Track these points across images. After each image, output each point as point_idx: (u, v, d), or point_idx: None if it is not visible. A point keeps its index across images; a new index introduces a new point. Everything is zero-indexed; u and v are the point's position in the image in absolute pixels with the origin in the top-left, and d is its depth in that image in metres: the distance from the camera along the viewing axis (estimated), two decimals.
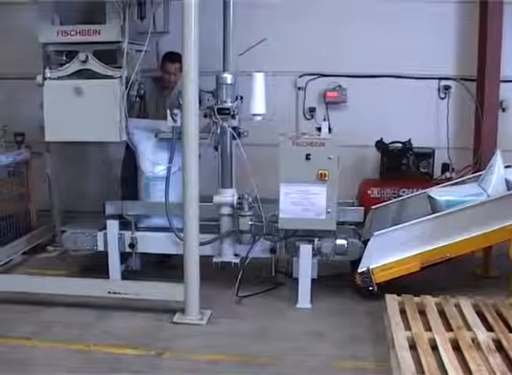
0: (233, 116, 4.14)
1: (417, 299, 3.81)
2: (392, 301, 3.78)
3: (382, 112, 5.56)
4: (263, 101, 4.18)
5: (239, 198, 4.23)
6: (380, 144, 5.46)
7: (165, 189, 4.15)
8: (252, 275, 4.27)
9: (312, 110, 5.70)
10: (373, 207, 4.89)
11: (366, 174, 5.62)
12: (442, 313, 3.64)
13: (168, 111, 4.12)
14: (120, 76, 4.13)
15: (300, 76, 5.71)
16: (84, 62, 4.18)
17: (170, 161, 4.19)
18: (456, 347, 3.25)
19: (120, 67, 4.15)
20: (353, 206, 4.78)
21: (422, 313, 3.65)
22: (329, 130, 4.21)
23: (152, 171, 4.39)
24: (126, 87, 4.14)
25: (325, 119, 4.27)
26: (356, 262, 4.15)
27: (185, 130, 3.71)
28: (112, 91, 4.12)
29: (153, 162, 4.39)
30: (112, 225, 4.35)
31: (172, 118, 4.12)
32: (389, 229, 4.10)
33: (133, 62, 4.23)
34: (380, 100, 5.56)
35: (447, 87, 5.57)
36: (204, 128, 4.18)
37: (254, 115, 4.19)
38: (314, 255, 4.13)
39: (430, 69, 5.52)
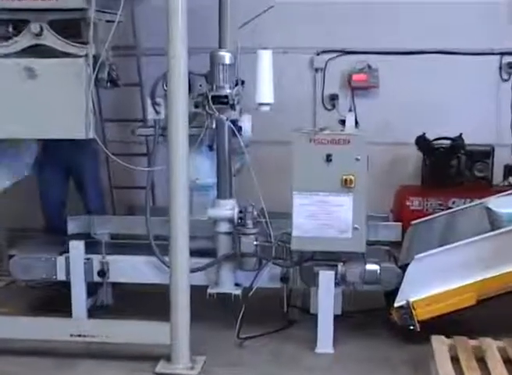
0: (233, 106, 4.19)
1: (473, 342, 3.81)
2: (440, 344, 3.78)
3: (424, 99, 5.60)
4: (271, 86, 4.23)
5: (240, 211, 4.26)
6: (422, 141, 5.51)
7: (145, 198, 4.25)
8: (258, 310, 4.28)
9: (334, 98, 5.77)
10: (413, 222, 4.93)
11: (404, 180, 5.67)
12: (507, 361, 3.62)
13: (148, 99, 4.21)
14: (86, 55, 4.13)
15: (319, 54, 5.79)
16: (38, 35, 4.13)
17: (150, 163, 4.28)
18: None
19: (86, 43, 4.15)
20: (387, 221, 4.83)
21: (481, 361, 3.64)
22: (356, 123, 4.26)
23: (198, 179, 4.51)
24: (94, 69, 4.19)
25: (350, 110, 4.36)
26: (392, 294, 4.17)
27: (170, 125, 3.75)
28: (76, 73, 4.12)
29: (200, 167, 4.49)
30: (76, 247, 4.38)
31: (154, 108, 4.19)
32: (435, 250, 4.12)
33: (102, 37, 4.30)
34: (422, 84, 5.61)
35: None
36: (195, 121, 4.23)
37: (260, 104, 4.24)
38: (337, 285, 4.16)
39: (489, 41, 5.55)
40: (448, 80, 5.65)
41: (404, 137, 5.56)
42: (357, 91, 5.72)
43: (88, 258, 4.42)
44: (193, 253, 3.92)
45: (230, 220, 4.28)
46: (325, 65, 5.77)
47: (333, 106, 5.78)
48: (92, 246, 4.49)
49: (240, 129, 4.33)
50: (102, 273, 4.42)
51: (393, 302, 4.13)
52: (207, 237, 4.35)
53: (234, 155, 4.34)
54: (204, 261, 4.32)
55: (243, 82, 4.31)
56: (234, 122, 4.28)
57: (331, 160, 3.99)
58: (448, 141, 5.53)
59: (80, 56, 4.17)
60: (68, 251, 4.40)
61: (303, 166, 4.02)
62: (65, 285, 4.47)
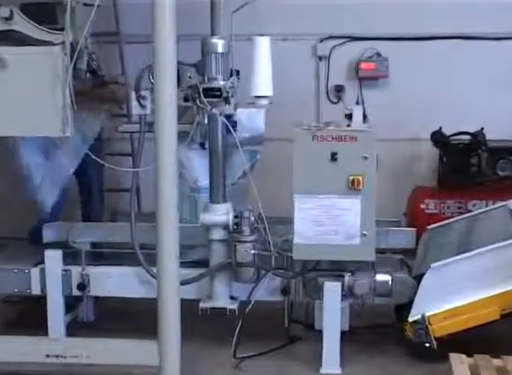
0: (227, 100, 4.19)
1: (497, 361, 3.80)
2: (459, 363, 3.76)
3: (440, 90, 5.65)
4: (269, 77, 4.25)
5: (236, 216, 4.28)
6: (438, 137, 5.55)
7: (130, 202, 4.29)
8: (256, 326, 4.31)
9: (339, 89, 5.81)
10: (429, 227, 4.94)
11: (418, 180, 5.73)
12: None
13: (132, 93, 4.23)
14: (62, 42, 4.10)
15: (322, 41, 5.83)
16: (8, 19, 4.11)
17: (135, 163, 4.30)
18: None
19: (62, 29, 4.15)
20: (399, 226, 4.86)
21: None
22: (364, 117, 4.28)
23: (199, 180, 4.58)
24: (72, 58, 4.18)
25: (358, 103, 4.38)
26: (405, 307, 4.19)
27: (157, 120, 3.76)
28: (51, 63, 4.11)
29: (200, 167, 4.57)
30: (53, 257, 4.39)
31: (139, 102, 4.21)
32: (453, 259, 4.13)
33: (80, 22, 4.31)
34: (438, 73, 5.65)
35: None
36: (185, 117, 4.25)
37: (257, 97, 4.25)
38: (344, 298, 4.17)
39: None
40: (467, 68, 5.68)
41: (418, 133, 5.61)
42: (365, 81, 5.76)
43: (66, 270, 4.42)
44: (193, 264, 3.96)
45: (224, 226, 4.30)
46: (330, 53, 5.80)
47: (339, 99, 5.82)
48: (71, 256, 4.49)
49: (234, 125, 4.35)
50: (82, 286, 4.42)
51: (407, 317, 4.14)
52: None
53: (237, 154, 4.38)
54: (196, 272, 4.34)
55: (238, 72, 4.31)
56: (228, 117, 4.29)
57: (336, 159, 4.01)
58: (468, 137, 5.56)
59: (56, 44, 4.14)
60: (43, 262, 4.40)
61: (305, 165, 4.04)
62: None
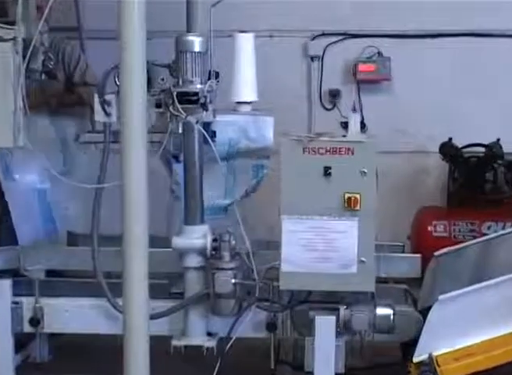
0: (204, 106, 4.17)
1: None
2: None
3: (450, 95, 5.69)
4: (253, 80, 4.28)
5: (215, 239, 4.26)
6: (448, 149, 5.58)
7: (92, 223, 4.31)
8: (237, 367, 4.34)
9: (335, 94, 5.84)
10: (437, 253, 4.93)
11: (425, 199, 5.78)
12: None
13: (95, 97, 4.24)
14: (14, 38, 4.13)
15: (314, 38, 5.86)
16: None
17: (99, 179, 4.31)
18: None
19: (13, 23, 4.17)
20: (403, 252, 4.89)
21: None
22: (363, 126, 4.32)
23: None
24: (25, 57, 4.17)
25: (355, 110, 4.40)
26: (409, 345, 4.19)
27: (124, 129, 3.76)
28: (1, 61, 4.14)
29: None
30: (1, 288, 4.38)
31: (103, 109, 4.21)
32: (466, 290, 4.11)
33: (34, 16, 4.31)
34: (448, 75, 5.70)
35: None
36: (157, 125, 4.25)
37: (239, 103, 4.30)
38: (339, 334, 4.15)
39: None
40: (481, 70, 5.72)
41: (425, 144, 5.65)
42: (364, 85, 5.80)
43: (17, 302, 4.40)
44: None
45: (201, 252, 4.28)
46: (323, 52, 5.84)
47: (333, 105, 5.86)
48: (22, 286, 4.48)
49: (213, 135, 4.35)
50: (35, 321, 4.39)
51: (412, 356, 4.12)
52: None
53: (245, 169, 4.42)
54: (169, 304, 4.32)
55: (217, 75, 4.31)
56: (206, 125, 4.29)
57: (330, 174, 3.99)
58: (482, 149, 5.59)
59: (6, 40, 4.16)
60: None
61: (294, 182, 4.02)
62: None
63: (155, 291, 4.03)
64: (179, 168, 4.64)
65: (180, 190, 4.60)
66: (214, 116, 4.36)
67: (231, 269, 4.21)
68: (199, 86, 4.22)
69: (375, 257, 4.11)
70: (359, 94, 5.78)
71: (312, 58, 5.89)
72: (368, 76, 5.81)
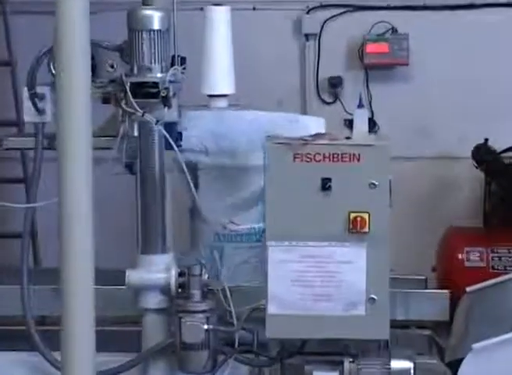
0: (166, 101, 4.21)
1: None
2: None
3: (485, 84, 5.78)
4: (230, 67, 4.33)
5: (181, 273, 4.34)
6: (484, 154, 5.62)
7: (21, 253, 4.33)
8: None
9: (336, 84, 5.90)
10: (470, 289, 4.96)
11: (454, 218, 5.83)
12: None
13: (24, 90, 4.26)
14: None
15: (310, 11, 5.91)
16: None
17: (29, 196, 4.34)
18: None
19: None
20: (426, 288, 4.90)
21: None
22: (372, 125, 4.36)
23: (229, 225, 4.64)
24: None
25: (361, 104, 4.43)
26: None
27: (62, 131, 3.81)
28: None
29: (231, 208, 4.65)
30: None
31: (34, 104, 4.25)
32: (508, 336, 4.21)
33: None
34: (483, 58, 5.76)
35: None
36: (105, 126, 4.34)
37: (212, 97, 4.36)
38: None
39: None
40: None
41: (453, 148, 5.70)
42: (373, 71, 5.84)
43: None
44: None
45: (163, 289, 4.33)
46: (321, 29, 5.88)
47: (335, 98, 5.90)
48: None
49: (179, 137, 4.41)
50: None
51: None
52: None
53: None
54: (123, 358, 4.36)
55: (183, 60, 4.37)
56: (169, 126, 4.33)
57: (330, 188, 4.02)
58: None
59: None
60: None
61: (282, 198, 4.05)
62: None
63: (114, 342, 4.10)
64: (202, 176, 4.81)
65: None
66: (179, 114, 4.42)
67: (203, 311, 4.23)
68: (159, 75, 4.26)
69: (389, 294, 4.12)
70: (367, 84, 5.83)
71: (307, 37, 5.92)
72: (378, 60, 5.84)
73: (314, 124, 4.58)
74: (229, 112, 4.79)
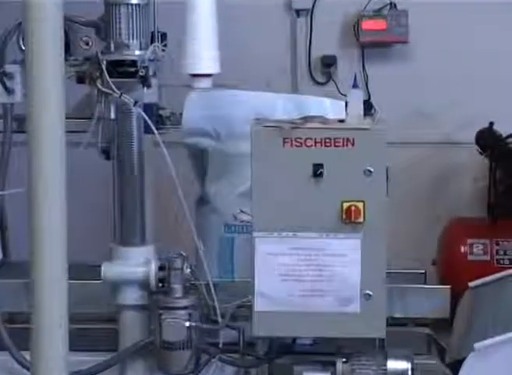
0: (145, 80, 4.22)
1: None
2: None
3: (489, 64, 5.79)
4: (214, 44, 4.32)
5: (162, 267, 4.31)
6: (488, 139, 5.65)
7: None
8: None
9: (329, 63, 5.90)
10: (473, 284, 4.97)
11: (456, 208, 5.86)
12: None
13: None
14: None
15: None
16: None
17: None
18: None
19: None
20: (425, 283, 4.90)
21: None
22: (369, 107, 4.34)
23: (239, 212, 4.66)
24: None
25: (356, 84, 4.42)
26: None
27: (32, 113, 3.78)
28: None
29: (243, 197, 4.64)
30: None
31: (3, 84, 4.22)
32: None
33: None
34: (486, 36, 5.77)
35: None
36: (79, 108, 4.34)
37: (195, 76, 4.33)
38: None
39: None
40: None
41: (455, 132, 5.69)
42: (370, 49, 5.83)
43: None
44: None
45: (142, 284, 4.33)
46: (313, 4, 5.87)
47: (328, 78, 5.89)
48: None
49: (159, 120, 4.40)
50: None
51: None
52: None
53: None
54: (99, 357, 4.36)
55: (163, 36, 4.36)
56: (148, 108, 4.33)
57: (322, 175, 4.01)
58: None
59: None
60: None
61: (270, 186, 4.04)
62: None
63: (88, 340, 4.08)
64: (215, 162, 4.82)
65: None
66: (159, 95, 4.39)
67: (184, 308, 4.24)
68: (138, 52, 4.26)
69: (386, 290, 4.12)
70: (363, 63, 5.82)
71: (298, 13, 5.91)
72: (375, 38, 5.83)
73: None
74: (244, 93, 4.80)
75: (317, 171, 4.01)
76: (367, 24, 5.81)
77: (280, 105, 4.68)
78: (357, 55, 5.87)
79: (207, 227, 4.83)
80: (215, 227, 4.80)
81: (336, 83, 5.82)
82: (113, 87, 4.21)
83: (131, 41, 4.28)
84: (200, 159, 4.89)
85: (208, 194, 4.86)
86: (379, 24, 5.79)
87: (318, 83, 5.93)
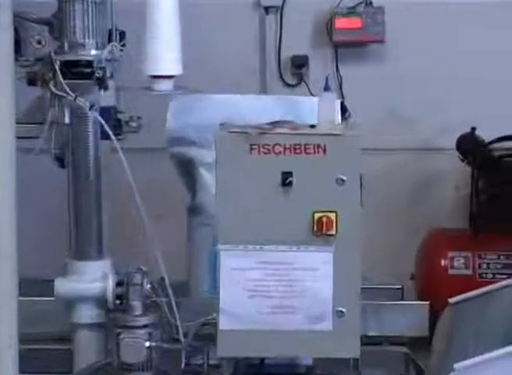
0: (102, 82, 4.22)
1: None
2: None
3: (472, 65, 5.80)
4: (176, 43, 4.30)
5: (120, 283, 4.32)
6: (470, 145, 5.66)
7: None
8: None
9: (301, 64, 5.91)
10: (453, 300, 4.95)
11: (436, 219, 5.85)
12: None
13: None
14: None
15: None
16: None
17: None
18: None
19: None
20: (403, 299, 4.95)
21: None
22: (342, 112, 4.35)
23: None
24: None
25: (328, 87, 4.42)
26: None
27: None
28: None
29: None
30: None
31: None
32: (496, 354, 4.18)
33: None
34: (468, 35, 5.79)
35: None
36: (30, 112, 4.30)
37: (155, 78, 4.32)
38: None
39: None
40: None
41: (435, 138, 5.70)
42: (344, 49, 5.84)
43: None
44: None
45: (99, 301, 4.33)
46: (283, 1, 5.88)
47: (299, 80, 5.89)
48: None
49: (117, 125, 4.39)
50: None
51: None
52: None
53: None
54: None
55: (122, 35, 4.38)
56: (105, 112, 4.33)
57: (291, 184, 4.03)
58: None
59: None
60: None
61: (236, 195, 4.05)
62: None
63: (41, 361, 4.05)
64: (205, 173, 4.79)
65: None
66: (117, 98, 4.38)
67: (144, 326, 4.23)
68: (94, 52, 4.26)
69: (360, 306, 4.13)
70: (337, 64, 5.83)
71: (267, 10, 5.91)
72: (350, 37, 5.84)
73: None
74: (233, 97, 4.81)
75: (286, 180, 4.02)
76: (340, 22, 5.82)
77: (270, 108, 4.66)
78: (330, 55, 5.88)
79: (198, 240, 4.88)
80: (207, 240, 4.76)
81: (307, 85, 5.83)
82: (67, 89, 4.20)
83: (87, 39, 4.28)
84: (186, 168, 4.88)
85: (200, 205, 4.85)
86: (354, 22, 5.80)
87: (289, 85, 5.94)
